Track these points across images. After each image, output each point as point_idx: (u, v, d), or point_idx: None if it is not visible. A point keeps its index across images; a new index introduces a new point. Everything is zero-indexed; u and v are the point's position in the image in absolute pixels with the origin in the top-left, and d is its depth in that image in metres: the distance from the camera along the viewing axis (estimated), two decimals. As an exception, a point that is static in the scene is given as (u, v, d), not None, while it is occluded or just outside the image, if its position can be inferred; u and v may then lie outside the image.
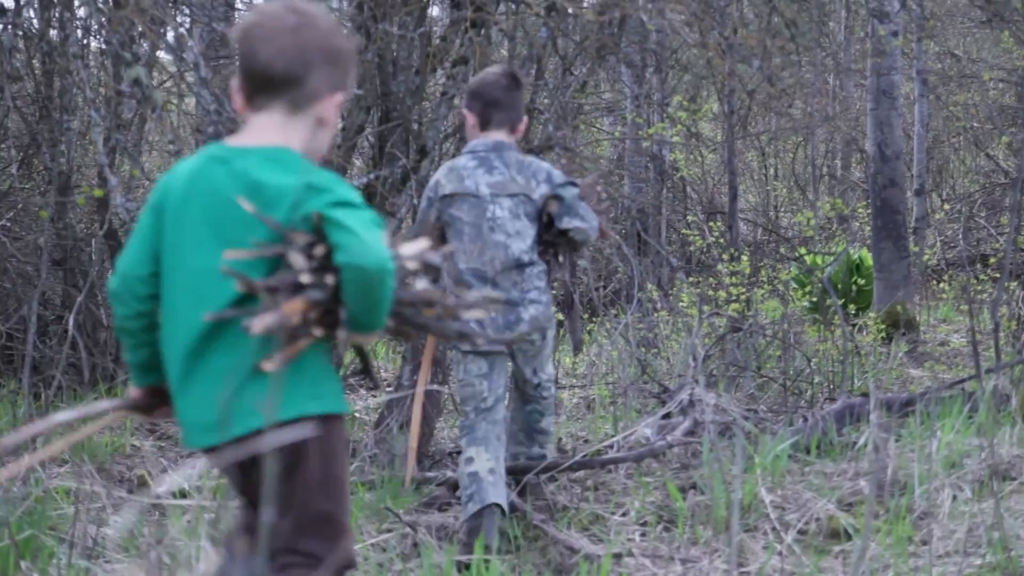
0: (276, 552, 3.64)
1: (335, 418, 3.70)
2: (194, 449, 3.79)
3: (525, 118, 6.50)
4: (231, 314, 3.52)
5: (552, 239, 6.39)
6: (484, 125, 6.33)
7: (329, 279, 3.50)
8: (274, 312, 3.44)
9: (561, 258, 6.64)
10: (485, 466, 6.03)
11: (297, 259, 3.50)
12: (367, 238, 3.45)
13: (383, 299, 3.51)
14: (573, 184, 6.36)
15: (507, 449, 6.37)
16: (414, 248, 3.76)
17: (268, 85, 3.67)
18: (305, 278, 3.49)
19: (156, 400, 3.99)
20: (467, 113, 6.39)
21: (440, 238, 6.28)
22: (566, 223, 6.24)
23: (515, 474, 6.56)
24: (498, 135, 6.32)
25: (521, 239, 6.25)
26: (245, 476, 3.72)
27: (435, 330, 3.88)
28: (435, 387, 7.90)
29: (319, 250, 3.50)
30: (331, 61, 3.70)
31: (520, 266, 6.24)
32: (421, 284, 3.74)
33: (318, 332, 3.57)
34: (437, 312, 3.79)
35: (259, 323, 3.42)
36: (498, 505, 5.93)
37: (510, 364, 6.35)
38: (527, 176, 6.29)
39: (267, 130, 3.70)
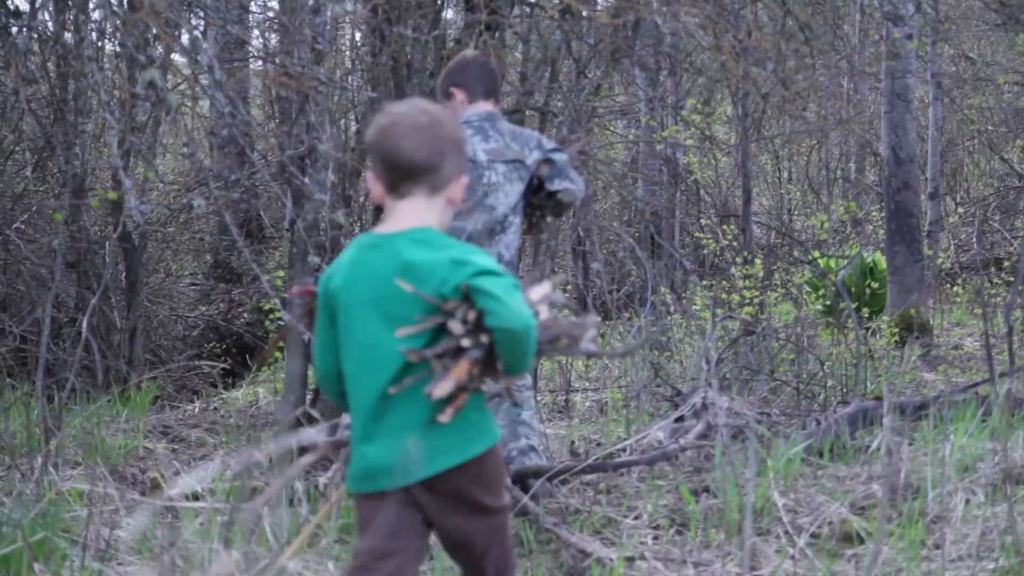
0: None
1: (494, 449, 4.25)
2: (367, 492, 4.23)
3: None
4: (410, 383, 4.07)
5: (540, 202, 6.78)
6: (473, 98, 6.75)
7: (483, 338, 4.03)
8: (448, 378, 4.01)
9: (548, 219, 7.03)
10: None
11: (456, 326, 4.04)
12: (511, 303, 3.98)
13: (530, 349, 4.05)
14: (561, 150, 6.76)
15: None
16: (541, 292, 4.36)
17: (412, 174, 4.19)
18: (465, 342, 4.03)
19: None
20: (455, 90, 6.76)
21: None
22: (556, 184, 6.65)
23: (525, 478, 6.58)
24: (487, 106, 6.75)
25: (508, 202, 6.64)
26: (425, 516, 4.23)
27: (568, 354, 4.57)
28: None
29: (471, 315, 4.03)
30: (458, 149, 4.27)
31: (501, 225, 6.63)
32: (543, 315, 4.31)
33: (479, 384, 4.14)
34: (566, 343, 4.37)
35: (439, 389, 3.99)
36: None
37: None
38: (521, 143, 6.70)
39: (410, 214, 4.22)
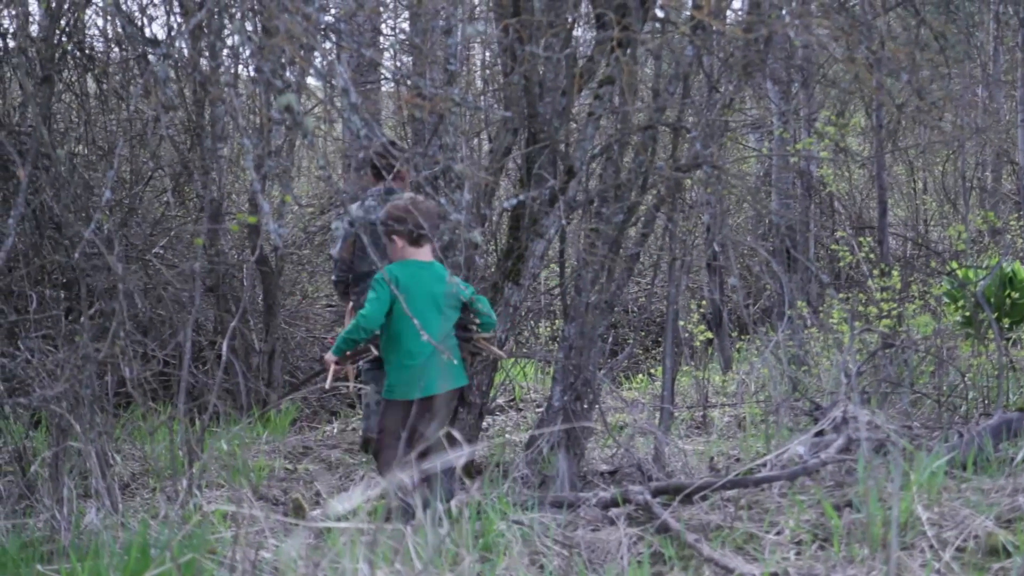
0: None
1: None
2: (412, 398, 7.57)
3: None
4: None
5: None
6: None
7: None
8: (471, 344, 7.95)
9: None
10: None
11: (468, 317, 7.84)
12: (490, 309, 7.85)
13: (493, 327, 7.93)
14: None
15: None
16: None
17: (427, 235, 7.58)
18: (473, 326, 7.88)
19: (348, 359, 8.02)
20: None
21: None
22: None
23: (666, 494, 6.57)
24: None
25: None
26: (429, 410, 7.57)
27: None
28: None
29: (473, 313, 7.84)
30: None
31: None
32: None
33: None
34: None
35: (467, 348, 7.92)
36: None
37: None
38: None
39: (429, 254, 7.73)
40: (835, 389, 9.43)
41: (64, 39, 10.24)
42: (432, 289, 7.54)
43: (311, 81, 8.26)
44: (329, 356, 7.83)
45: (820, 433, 7.98)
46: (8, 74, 10.79)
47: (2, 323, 9.02)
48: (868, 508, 6.10)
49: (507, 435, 10.28)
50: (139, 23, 11.97)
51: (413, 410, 7.49)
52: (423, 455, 7.31)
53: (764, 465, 7.46)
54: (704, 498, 6.91)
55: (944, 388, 9.67)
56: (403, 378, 7.59)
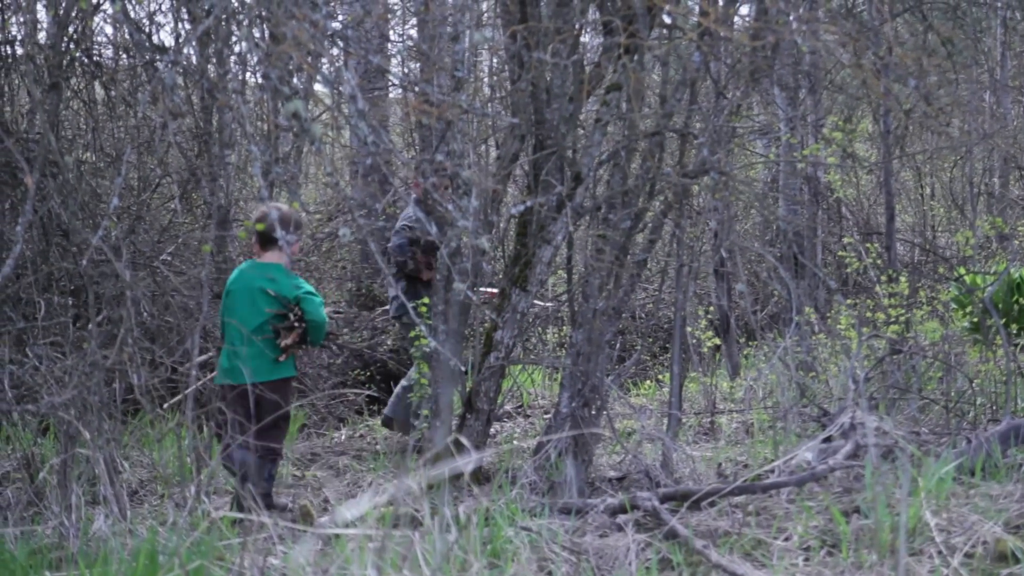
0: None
1: (289, 379, 8.81)
2: (222, 384, 8.56)
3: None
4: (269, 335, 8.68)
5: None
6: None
7: (302, 323, 8.63)
8: (287, 337, 8.60)
9: None
10: None
11: (293, 313, 8.61)
12: (316, 310, 8.59)
13: (322, 333, 8.66)
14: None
15: None
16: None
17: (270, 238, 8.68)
18: (296, 323, 8.60)
19: None
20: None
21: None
22: None
23: (674, 500, 6.57)
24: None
25: None
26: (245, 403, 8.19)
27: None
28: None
29: (298, 311, 8.60)
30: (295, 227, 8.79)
31: None
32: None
33: (297, 344, 8.68)
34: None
35: (283, 341, 8.62)
36: None
37: None
38: None
39: (271, 256, 8.77)
40: (843, 395, 9.42)
41: (72, 46, 10.25)
42: (253, 288, 8.65)
43: (318, 88, 8.29)
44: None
45: (828, 439, 7.97)
46: (16, 81, 10.80)
47: (10, 330, 9.02)
48: (876, 514, 6.10)
49: (515, 441, 10.27)
50: (147, 30, 12.00)
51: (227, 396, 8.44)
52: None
53: (772, 471, 7.46)
54: (712, 504, 6.91)
55: (952, 394, 9.66)
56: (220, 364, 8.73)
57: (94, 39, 11.45)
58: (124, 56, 13.21)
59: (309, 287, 8.69)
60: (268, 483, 8.62)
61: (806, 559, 6.10)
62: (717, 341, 14.35)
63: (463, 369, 8.44)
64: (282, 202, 11.80)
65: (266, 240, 8.67)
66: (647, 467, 8.27)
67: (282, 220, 8.42)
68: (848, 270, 16.05)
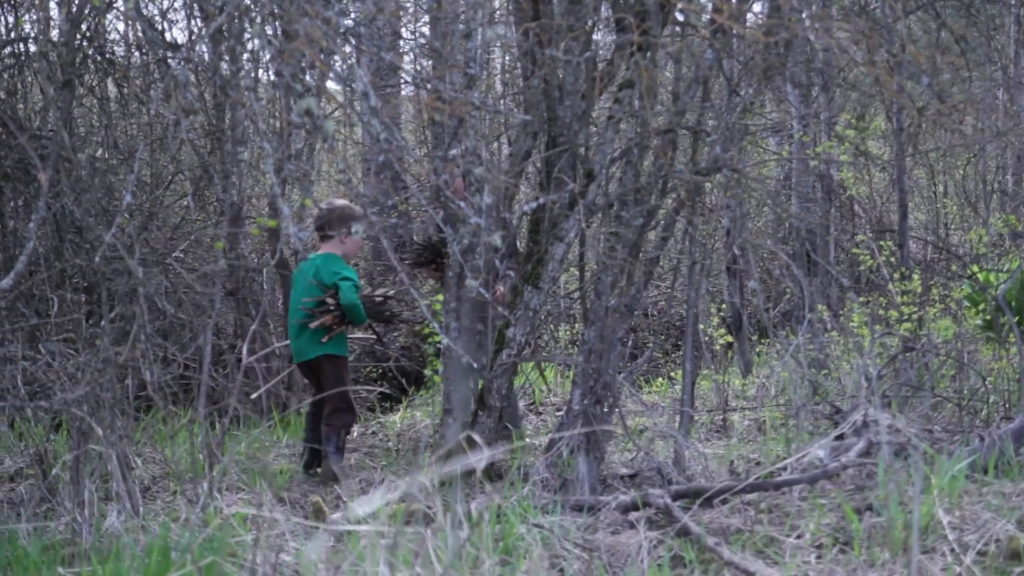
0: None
1: (342, 356, 9.66)
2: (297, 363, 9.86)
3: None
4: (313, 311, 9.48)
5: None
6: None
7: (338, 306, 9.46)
8: (320, 319, 9.43)
9: None
10: None
11: (332, 298, 9.42)
12: (345, 293, 9.33)
13: (358, 313, 9.41)
14: None
15: None
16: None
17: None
18: (333, 307, 9.42)
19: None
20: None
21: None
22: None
23: (686, 497, 6.57)
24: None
25: None
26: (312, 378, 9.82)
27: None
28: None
29: (335, 295, 9.42)
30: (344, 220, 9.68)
31: None
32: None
33: (338, 325, 9.47)
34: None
35: (313, 323, 9.43)
36: None
37: None
38: None
39: (325, 248, 9.75)
40: (855, 393, 9.41)
41: (85, 43, 10.27)
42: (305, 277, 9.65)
43: (331, 85, 8.28)
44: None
45: (840, 437, 7.96)
46: (29, 78, 10.82)
47: (23, 326, 9.04)
48: (889, 512, 6.09)
49: (527, 438, 10.27)
50: (160, 27, 12.00)
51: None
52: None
53: (784, 469, 7.45)
54: (724, 502, 6.91)
55: (965, 392, 9.64)
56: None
57: (107, 36, 11.47)
58: (137, 53, 13.23)
59: (348, 272, 9.57)
60: (332, 452, 9.52)
61: (818, 557, 6.10)
62: (729, 338, 14.34)
63: (476, 366, 8.41)
64: (296, 199, 11.81)
65: (324, 233, 9.75)
66: (659, 464, 8.26)
67: (329, 214, 9.74)
68: (861, 268, 16.06)
